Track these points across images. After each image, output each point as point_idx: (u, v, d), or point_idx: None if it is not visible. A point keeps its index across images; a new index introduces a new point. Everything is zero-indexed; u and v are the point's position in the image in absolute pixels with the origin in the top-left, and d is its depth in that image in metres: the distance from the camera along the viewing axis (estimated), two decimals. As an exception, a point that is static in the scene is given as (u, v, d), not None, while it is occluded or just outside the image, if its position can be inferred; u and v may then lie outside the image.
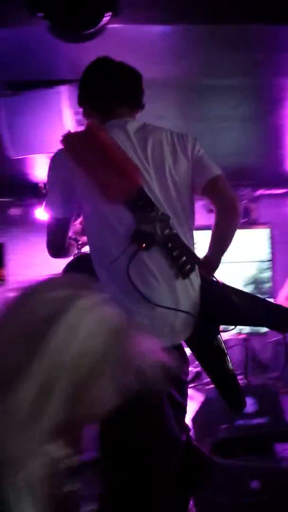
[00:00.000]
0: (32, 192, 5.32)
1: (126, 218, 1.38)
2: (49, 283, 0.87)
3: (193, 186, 1.55)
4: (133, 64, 2.91)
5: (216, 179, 1.57)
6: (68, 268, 1.56)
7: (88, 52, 2.58)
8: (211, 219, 1.57)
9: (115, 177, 1.34)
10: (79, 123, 3.37)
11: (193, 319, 1.39)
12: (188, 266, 1.41)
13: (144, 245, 1.32)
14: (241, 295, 1.49)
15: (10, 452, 0.71)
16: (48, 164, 1.48)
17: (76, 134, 1.50)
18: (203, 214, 6.81)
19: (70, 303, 0.79)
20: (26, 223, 5.70)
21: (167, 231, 1.37)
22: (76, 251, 1.72)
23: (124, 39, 2.55)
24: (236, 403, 1.57)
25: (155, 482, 1.25)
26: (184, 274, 1.40)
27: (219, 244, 1.57)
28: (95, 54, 2.65)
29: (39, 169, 4.57)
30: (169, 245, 1.37)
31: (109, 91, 1.57)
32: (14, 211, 5.91)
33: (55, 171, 1.47)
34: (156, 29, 2.57)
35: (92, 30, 1.89)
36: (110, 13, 1.91)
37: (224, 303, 1.41)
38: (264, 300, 1.68)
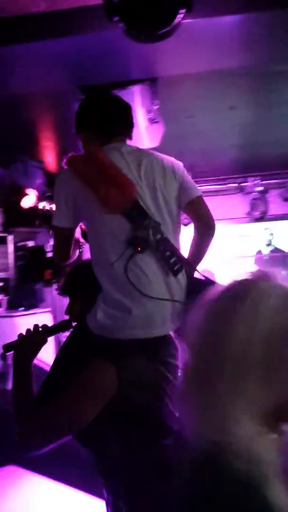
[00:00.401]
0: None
1: (124, 225, 1.55)
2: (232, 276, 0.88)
3: (178, 202, 1.76)
4: (205, 57, 2.96)
5: (197, 199, 1.77)
6: (70, 276, 1.73)
7: (160, 50, 2.66)
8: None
9: (114, 191, 1.53)
10: (151, 121, 3.47)
11: (179, 311, 1.58)
12: (177, 266, 1.59)
13: (139, 248, 1.51)
14: None
15: (235, 434, 0.71)
16: (56, 182, 1.70)
17: (78, 156, 1.71)
18: (279, 203, 6.75)
19: (253, 284, 0.82)
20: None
21: (158, 236, 1.57)
22: (77, 253, 1.89)
23: (195, 34, 2.60)
24: None
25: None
26: (174, 272, 1.59)
27: (196, 254, 1.79)
28: (167, 51, 2.72)
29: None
30: (161, 248, 1.57)
31: (108, 121, 1.77)
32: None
33: (62, 188, 1.66)
34: (227, 20, 2.59)
35: (166, 29, 1.95)
36: (184, 10, 1.96)
37: None
38: None
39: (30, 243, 8.21)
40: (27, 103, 3.86)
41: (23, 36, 2.72)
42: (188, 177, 1.80)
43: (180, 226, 1.77)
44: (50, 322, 6.45)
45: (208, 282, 1.61)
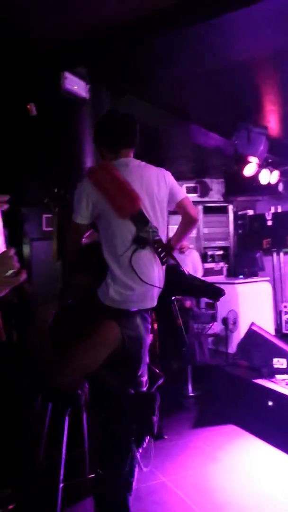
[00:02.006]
0: None
1: (130, 228, 2.04)
2: None
3: (168, 205, 2.27)
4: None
5: (183, 201, 2.30)
6: (82, 254, 2.16)
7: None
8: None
9: (126, 202, 2.03)
10: None
11: (160, 291, 2.15)
12: (165, 259, 2.15)
13: (141, 245, 2.02)
14: (189, 276, 2.33)
15: None
16: (78, 189, 2.10)
17: (97, 170, 2.20)
18: None
19: None
20: None
21: (155, 238, 2.08)
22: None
23: None
24: (177, 347, 2.51)
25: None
26: (163, 263, 2.15)
27: (178, 240, 2.42)
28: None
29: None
30: (156, 246, 2.08)
31: (118, 139, 2.21)
32: None
33: (84, 194, 2.06)
34: None
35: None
36: None
37: (178, 281, 2.26)
38: (204, 280, 2.45)
39: (250, 212, 8.23)
40: (250, 68, 3.80)
41: (238, 1, 2.67)
42: (175, 183, 2.31)
43: (168, 227, 2.34)
44: (269, 291, 6.42)
45: (179, 270, 2.27)
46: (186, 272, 2.31)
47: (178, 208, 2.31)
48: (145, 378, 2.07)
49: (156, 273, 2.09)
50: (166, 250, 2.16)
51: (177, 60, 3.48)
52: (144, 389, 2.07)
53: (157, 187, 2.18)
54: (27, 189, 7.40)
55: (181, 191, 2.35)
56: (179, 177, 8.14)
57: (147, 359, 2.11)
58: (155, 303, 2.13)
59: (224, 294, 2.29)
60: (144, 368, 2.08)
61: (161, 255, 2.12)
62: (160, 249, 2.11)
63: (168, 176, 2.28)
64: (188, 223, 2.36)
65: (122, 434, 1.94)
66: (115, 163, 2.16)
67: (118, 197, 2.03)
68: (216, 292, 2.30)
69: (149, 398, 2.00)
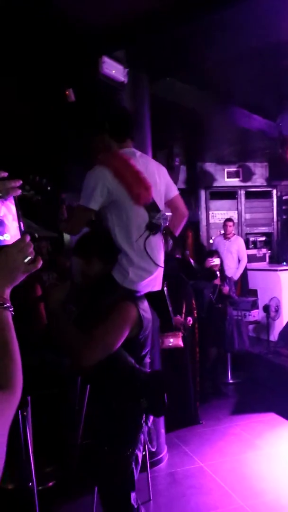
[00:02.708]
0: None
1: (144, 215, 2.14)
2: None
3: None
4: None
5: (177, 196, 2.44)
6: (84, 241, 2.15)
7: None
8: None
9: (142, 191, 2.11)
10: None
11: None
12: (169, 243, 2.35)
13: (153, 232, 2.14)
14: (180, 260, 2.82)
15: None
16: (94, 174, 2.12)
17: (112, 156, 2.21)
18: None
19: None
20: None
21: (165, 224, 2.20)
22: None
23: None
24: (166, 326, 2.82)
25: None
26: (166, 248, 2.31)
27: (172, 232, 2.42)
28: None
29: None
30: (164, 232, 2.23)
31: (127, 128, 2.31)
32: None
33: (100, 180, 2.10)
34: None
35: None
36: None
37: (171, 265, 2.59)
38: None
39: (294, 197, 7.97)
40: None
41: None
42: (170, 179, 2.43)
43: None
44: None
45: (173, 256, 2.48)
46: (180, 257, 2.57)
47: (169, 204, 2.44)
48: (149, 360, 2.17)
49: (162, 258, 2.25)
50: (173, 237, 2.33)
51: (220, 40, 3.38)
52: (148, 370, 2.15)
53: (158, 179, 2.30)
54: (68, 175, 7.51)
55: (175, 187, 2.49)
56: (220, 161, 8.02)
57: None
58: (160, 287, 2.28)
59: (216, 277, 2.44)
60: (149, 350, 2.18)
61: (168, 240, 2.31)
62: (167, 236, 2.29)
63: (165, 172, 2.42)
64: (179, 218, 2.49)
65: (133, 411, 1.99)
66: (125, 152, 2.23)
67: (135, 185, 2.11)
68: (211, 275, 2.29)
69: (160, 376, 2.10)
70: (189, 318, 4.08)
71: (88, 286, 2.10)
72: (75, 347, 1.83)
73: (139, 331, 2.02)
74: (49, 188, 2.22)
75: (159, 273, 2.22)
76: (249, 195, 7.72)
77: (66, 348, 1.88)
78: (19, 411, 2.91)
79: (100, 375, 1.96)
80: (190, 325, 4.09)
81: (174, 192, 2.46)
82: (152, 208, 2.18)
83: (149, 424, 2.09)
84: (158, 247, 2.21)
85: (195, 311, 4.20)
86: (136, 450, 1.97)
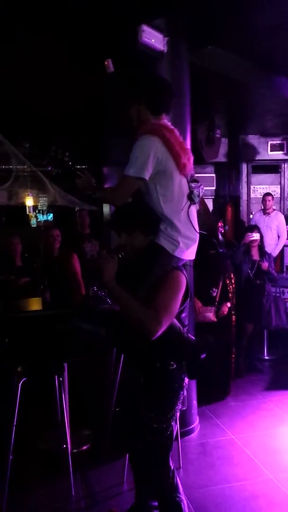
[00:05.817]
0: None
1: (186, 185, 2.21)
2: None
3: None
4: None
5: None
6: (123, 212, 2.17)
7: None
8: None
9: (186, 160, 2.17)
10: None
11: None
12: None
13: (193, 201, 2.21)
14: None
15: None
16: (148, 144, 2.10)
17: (160, 126, 2.18)
18: None
19: None
20: None
21: (203, 194, 2.30)
22: None
23: None
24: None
25: None
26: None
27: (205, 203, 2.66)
28: None
29: None
30: (198, 202, 2.26)
31: (167, 102, 2.30)
32: None
33: (154, 150, 2.10)
34: None
35: None
36: None
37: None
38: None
39: None
40: None
41: None
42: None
43: None
44: None
45: None
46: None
47: None
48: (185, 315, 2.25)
49: (197, 224, 2.33)
50: (204, 206, 2.50)
51: (264, 5, 3.23)
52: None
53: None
54: (110, 150, 7.51)
55: None
56: (263, 134, 7.76)
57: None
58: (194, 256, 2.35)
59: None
60: None
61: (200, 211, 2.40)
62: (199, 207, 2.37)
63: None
64: None
65: (176, 372, 2.06)
66: (165, 124, 2.24)
67: (182, 155, 2.16)
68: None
69: (203, 342, 2.22)
70: (226, 305, 4.09)
71: (134, 258, 2.11)
72: (145, 320, 1.88)
73: (186, 299, 2.08)
74: (70, 163, 2.16)
75: (197, 237, 2.29)
76: (294, 169, 7.47)
77: (135, 322, 1.90)
78: (56, 376, 3.06)
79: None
80: (225, 313, 4.09)
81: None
82: (192, 178, 2.26)
83: (185, 390, 2.14)
84: (195, 217, 2.29)
85: (233, 286, 4.18)
86: (176, 410, 2.06)
